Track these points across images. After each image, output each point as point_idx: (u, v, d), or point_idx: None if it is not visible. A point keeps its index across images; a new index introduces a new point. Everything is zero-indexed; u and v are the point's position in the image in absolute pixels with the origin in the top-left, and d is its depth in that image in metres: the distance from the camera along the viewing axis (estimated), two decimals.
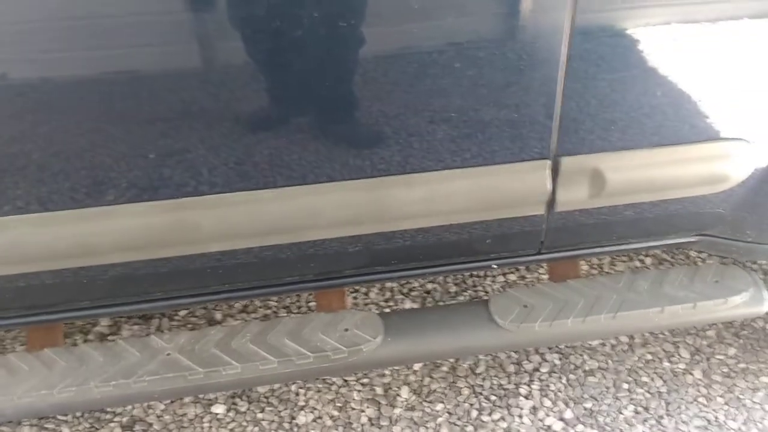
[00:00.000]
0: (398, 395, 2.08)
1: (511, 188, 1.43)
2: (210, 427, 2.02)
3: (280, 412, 2.05)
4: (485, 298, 2.07)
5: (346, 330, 1.63)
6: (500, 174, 1.40)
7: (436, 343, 1.65)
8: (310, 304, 2.36)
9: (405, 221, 1.46)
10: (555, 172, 1.42)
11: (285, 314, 2.33)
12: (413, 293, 2.41)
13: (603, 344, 2.24)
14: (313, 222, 1.44)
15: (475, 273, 2.46)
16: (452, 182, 1.41)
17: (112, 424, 2.02)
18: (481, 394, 2.09)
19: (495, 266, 1.67)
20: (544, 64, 1.30)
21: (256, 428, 2.01)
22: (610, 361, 2.19)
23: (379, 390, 2.10)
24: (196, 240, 1.42)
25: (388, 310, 2.33)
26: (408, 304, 2.36)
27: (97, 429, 2.01)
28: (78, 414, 2.04)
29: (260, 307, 2.37)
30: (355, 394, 2.09)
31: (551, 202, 1.47)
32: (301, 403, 2.08)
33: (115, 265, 1.44)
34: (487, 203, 1.44)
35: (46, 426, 2.01)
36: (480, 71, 1.27)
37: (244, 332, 1.63)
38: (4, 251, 1.34)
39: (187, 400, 2.08)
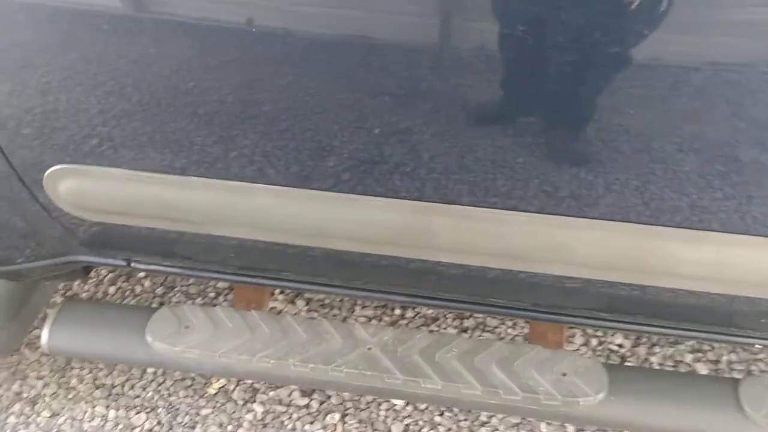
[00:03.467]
0: None
1: None
2: (386, 416, 1.94)
3: (459, 421, 1.92)
4: (735, 376, 1.79)
5: (564, 375, 1.44)
6: None
7: (665, 417, 1.42)
8: (498, 329, 2.17)
9: (671, 279, 1.23)
10: None
11: (468, 335, 2.17)
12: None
13: None
14: (561, 257, 1.25)
15: None
16: (746, 249, 1.15)
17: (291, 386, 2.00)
18: None
19: (758, 347, 1.39)
20: None
21: (432, 431, 1.90)
22: None
23: (570, 429, 1.90)
24: (428, 246, 1.29)
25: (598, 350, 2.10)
26: (619, 339, 2.12)
27: (273, 388, 1.99)
28: None
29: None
30: (543, 426, 1.90)
31: None
32: (483, 419, 1.93)
33: (343, 251, 1.34)
34: None
35: None
36: None
37: (451, 346, 1.50)
38: (249, 218, 1.29)
39: None
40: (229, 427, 1.90)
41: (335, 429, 1.91)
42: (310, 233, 1.30)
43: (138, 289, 2.27)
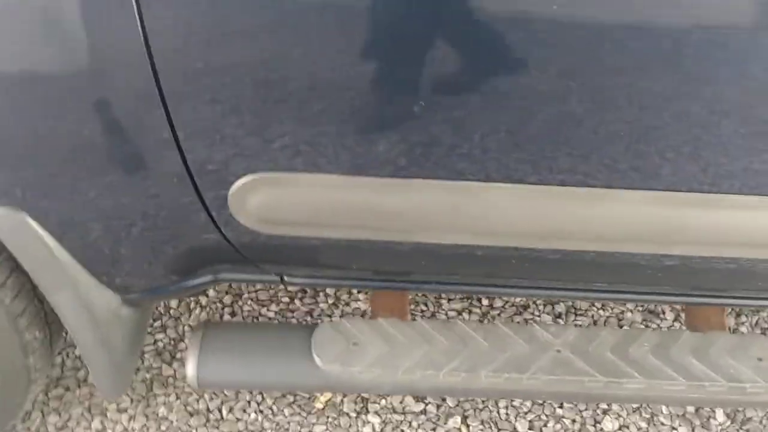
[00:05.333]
0: (712, 418, 1.87)
1: None
2: (507, 414, 1.86)
3: (581, 411, 1.87)
4: None
5: (760, 360, 1.41)
6: None
7: None
8: (611, 311, 2.12)
9: None
10: None
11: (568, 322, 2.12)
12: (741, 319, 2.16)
13: None
14: None
15: None
16: None
17: None
18: None
19: None
20: None
21: (558, 425, 1.84)
22: None
23: (689, 408, 1.89)
24: (676, 241, 1.21)
25: None
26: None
27: (383, 396, 1.86)
28: None
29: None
30: (663, 408, 1.88)
31: None
32: (604, 407, 1.89)
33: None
34: None
35: None
36: None
37: (642, 341, 1.43)
38: (474, 221, 1.16)
39: None
40: None
41: None
42: (542, 235, 1.19)
43: (204, 300, 2.05)
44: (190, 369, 1.36)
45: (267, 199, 1.14)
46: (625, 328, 2.02)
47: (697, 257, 1.25)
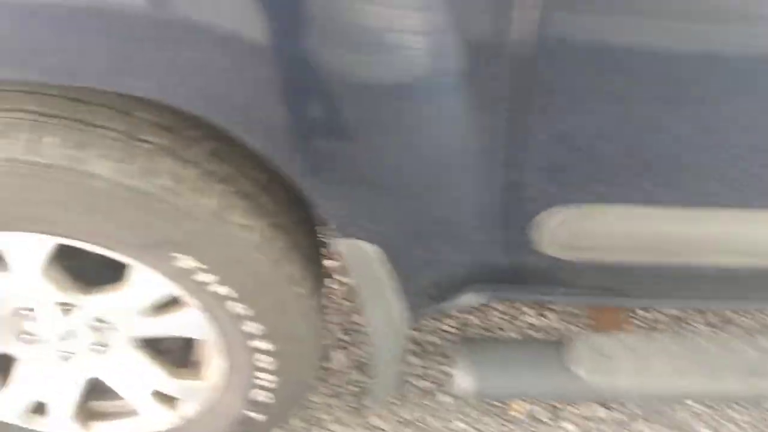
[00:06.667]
0: None
1: None
2: (684, 417, 2.00)
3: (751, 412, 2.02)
4: None
5: None
6: None
7: None
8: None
9: None
10: None
11: None
12: None
13: None
14: None
15: None
16: None
17: None
18: None
19: None
20: None
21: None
22: None
23: None
24: None
25: None
26: None
27: (568, 404, 2.01)
28: None
29: None
30: None
31: None
32: None
33: None
34: None
35: None
36: None
37: None
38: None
39: None
40: None
41: None
42: None
43: None
44: (465, 382, 1.50)
45: (574, 229, 1.29)
46: None
47: None
